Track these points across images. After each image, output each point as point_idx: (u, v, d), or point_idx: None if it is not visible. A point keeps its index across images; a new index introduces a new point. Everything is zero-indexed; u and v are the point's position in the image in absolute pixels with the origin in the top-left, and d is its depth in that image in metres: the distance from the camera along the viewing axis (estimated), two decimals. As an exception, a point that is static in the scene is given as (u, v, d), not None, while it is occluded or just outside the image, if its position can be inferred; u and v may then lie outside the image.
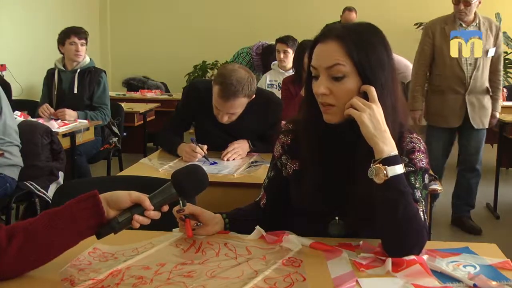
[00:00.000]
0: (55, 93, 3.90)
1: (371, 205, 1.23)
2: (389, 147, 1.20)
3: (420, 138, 1.35)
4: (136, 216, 1.16)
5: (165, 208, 1.21)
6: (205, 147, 2.38)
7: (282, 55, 4.24)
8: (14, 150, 2.75)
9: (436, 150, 3.64)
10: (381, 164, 1.18)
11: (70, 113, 3.69)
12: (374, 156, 1.20)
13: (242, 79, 2.26)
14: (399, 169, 1.19)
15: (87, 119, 3.75)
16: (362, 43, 1.24)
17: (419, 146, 1.32)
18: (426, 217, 1.26)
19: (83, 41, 3.84)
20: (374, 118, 1.20)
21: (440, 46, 3.58)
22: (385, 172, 1.18)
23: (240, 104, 2.32)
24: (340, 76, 1.24)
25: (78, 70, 3.86)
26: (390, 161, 1.19)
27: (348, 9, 6.10)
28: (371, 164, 1.20)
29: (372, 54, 1.24)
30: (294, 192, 1.42)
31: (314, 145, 1.34)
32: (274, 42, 4.51)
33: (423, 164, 1.30)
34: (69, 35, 3.79)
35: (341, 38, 1.24)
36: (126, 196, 1.16)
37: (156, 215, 1.18)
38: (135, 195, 1.16)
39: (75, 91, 3.83)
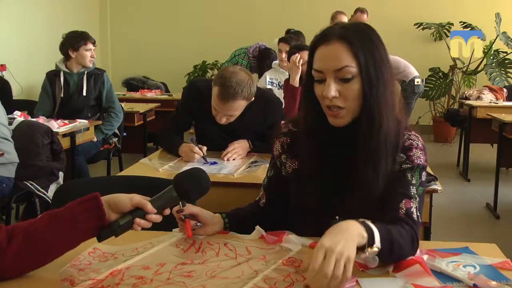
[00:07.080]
0: (62, 95, 3.91)
1: (371, 205, 1.23)
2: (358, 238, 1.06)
3: (418, 135, 1.35)
4: (138, 220, 1.16)
5: (167, 211, 1.21)
6: (205, 148, 2.38)
7: (284, 55, 4.22)
8: (6, 147, 2.66)
9: None
10: (366, 252, 1.08)
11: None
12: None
13: (242, 82, 2.26)
14: (375, 247, 1.08)
15: (104, 133, 3.97)
16: (365, 42, 1.25)
17: (417, 143, 1.33)
18: (419, 214, 1.26)
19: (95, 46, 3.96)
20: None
21: None
22: (373, 255, 1.09)
23: (238, 107, 2.33)
24: (349, 78, 1.23)
25: (86, 72, 3.91)
26: (364, 246, 1.08)
27: (361, 10, 5.94)
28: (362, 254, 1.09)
29: (376, 53, 1.25)
30: (293, 191, 1.42)
31: (314, 150, 1.34)
32: (272, 45, 4.50)
33: (420, 161, 1.31)
34: (86, 42, 3.85)
35: (346, 39, 1.24)
36: (127, 200, 1.15)
37: (157, 218, 1.18)
38: (137, 199, 1.16)
39: (84, 93, 3.91)
